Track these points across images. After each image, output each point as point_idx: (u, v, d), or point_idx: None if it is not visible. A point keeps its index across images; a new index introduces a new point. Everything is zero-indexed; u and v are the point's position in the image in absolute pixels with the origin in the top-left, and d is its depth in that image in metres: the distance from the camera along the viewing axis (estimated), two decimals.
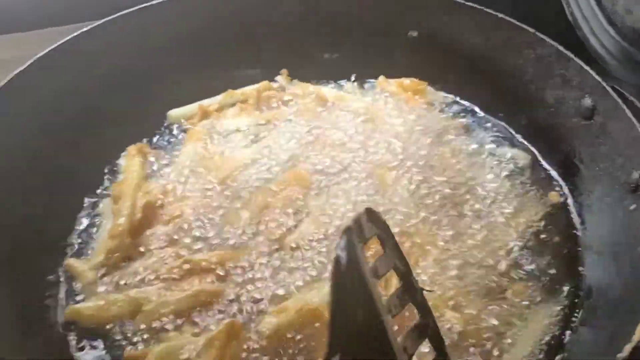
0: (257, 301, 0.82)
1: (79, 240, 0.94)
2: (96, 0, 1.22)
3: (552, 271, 0.88)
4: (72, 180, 0.97)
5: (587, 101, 0.92)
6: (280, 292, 0.83)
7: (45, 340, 0.82)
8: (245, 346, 0.77)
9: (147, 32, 1.05)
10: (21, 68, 0.93)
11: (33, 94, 0.94)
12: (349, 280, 0.48)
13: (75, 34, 0.99)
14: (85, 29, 1.00)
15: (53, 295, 0.87)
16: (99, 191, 1.00)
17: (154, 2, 1.05)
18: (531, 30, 0.98)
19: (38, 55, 0.95)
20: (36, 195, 0.92)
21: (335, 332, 0.47)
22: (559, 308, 0.85)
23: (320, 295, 0.80)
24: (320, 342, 0.78)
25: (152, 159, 1.03)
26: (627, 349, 0.67)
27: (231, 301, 0.83)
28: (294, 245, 0.87)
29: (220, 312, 0.82)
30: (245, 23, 1.11)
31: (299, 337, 0.78)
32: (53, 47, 0.97)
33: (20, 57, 0.95)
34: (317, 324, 0.78)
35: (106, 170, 1.02)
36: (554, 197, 0.97)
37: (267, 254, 0.87)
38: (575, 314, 0.84)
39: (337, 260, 0.48)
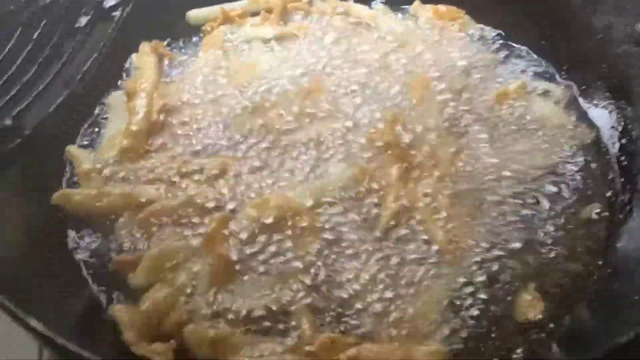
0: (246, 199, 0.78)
1: (90, 131, 0.90)
2: None
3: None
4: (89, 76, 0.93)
5: None
6: (267, 191, 0.78)
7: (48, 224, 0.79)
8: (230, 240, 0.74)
9: None
10: None
11: None
12: None
13: None
14: None
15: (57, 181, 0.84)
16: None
17: None
18: None
19: None
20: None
21: None
22: None
23: (303, 194, 0.76)
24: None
25: (167, 61, 0.98)
26: None
27: (223, 204, 0.78)
28: (292, 145, 0.83)
29: (210, 213, 0.77)
30: None
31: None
32: None
33: None
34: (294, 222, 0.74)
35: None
36: (588, 134, 0.89)
37: (266, 155, 0.83)
38: None
39: None
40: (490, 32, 1.03)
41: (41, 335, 0.54)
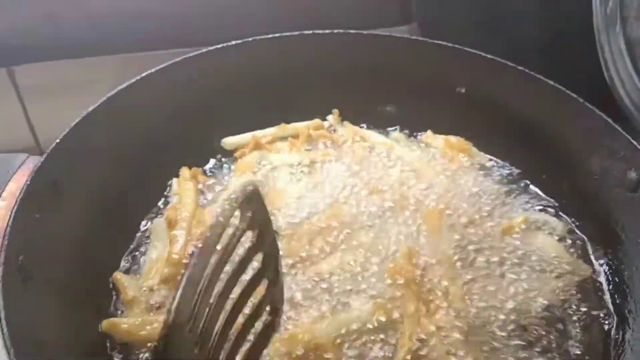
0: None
1: (132, 255, 0.99)
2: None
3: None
4: (127, 203, 1.03)
5: (632, 174, 0.94)
6: (294, 324, 0.85)
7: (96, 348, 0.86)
8: None
9: (220, 71, 1.12)
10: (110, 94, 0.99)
11: (114, 122, 1.00)
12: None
13: (148, 72, 1.04)
14: (162, 66, 1.06)
15: (102, 306, 0.91)
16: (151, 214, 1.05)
17: (226, 45, 1.10)
18: (581, 100, 1.00)
19: (122, 86, 1.01)
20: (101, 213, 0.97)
21: None
22: None
23: (329, 329, 0.84)
24: None
25: (201, 186, 1.08)
26: None
27: None
28: (316, 278, 0.91)
29: None
30: (308, 70, 1.16)
31: None
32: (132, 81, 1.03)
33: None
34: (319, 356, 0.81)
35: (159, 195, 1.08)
36: (585, 270, 0.97)
37: (294, 287, 0.90)
38: None
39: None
40: (498, 164, 1.13)
41: None
